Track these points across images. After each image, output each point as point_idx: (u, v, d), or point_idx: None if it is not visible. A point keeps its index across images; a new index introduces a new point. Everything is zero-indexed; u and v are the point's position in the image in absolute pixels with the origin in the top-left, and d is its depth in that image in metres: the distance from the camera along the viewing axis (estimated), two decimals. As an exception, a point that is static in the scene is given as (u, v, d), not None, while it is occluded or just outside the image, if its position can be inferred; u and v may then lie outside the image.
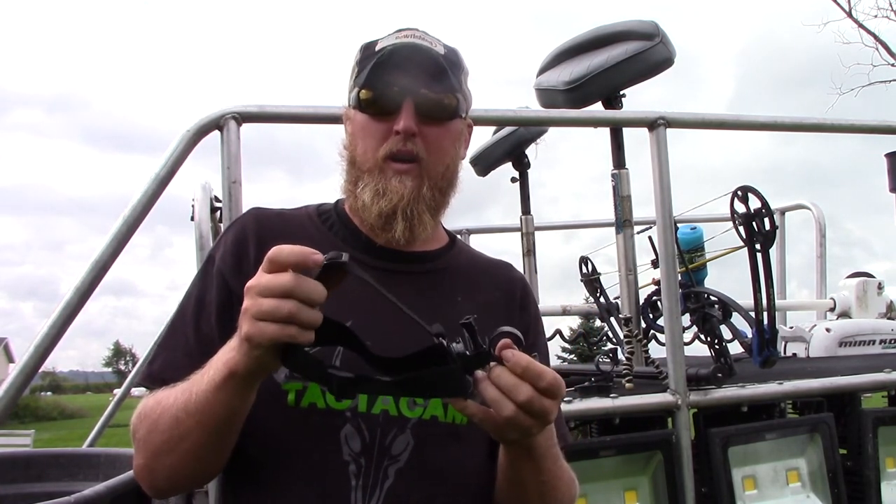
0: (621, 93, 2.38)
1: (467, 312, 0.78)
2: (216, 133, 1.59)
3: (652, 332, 2.41)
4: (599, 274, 2.78)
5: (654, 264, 2.25)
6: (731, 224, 1.98)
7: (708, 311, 2.10)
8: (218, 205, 1.74)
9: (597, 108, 2.40)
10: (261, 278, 0.74)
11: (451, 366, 0.75)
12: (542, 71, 2.61)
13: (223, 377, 0.79)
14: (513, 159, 2.89)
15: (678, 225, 2.29)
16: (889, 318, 3.56)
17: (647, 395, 1.88)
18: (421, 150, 0.98)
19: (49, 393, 41.84)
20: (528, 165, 2.90)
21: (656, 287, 2.35)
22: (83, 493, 1.31)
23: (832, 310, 3.66)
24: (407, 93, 0.96)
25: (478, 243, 3.61)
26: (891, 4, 15.67)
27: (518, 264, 2.15)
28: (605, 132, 2.31)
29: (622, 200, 2.27)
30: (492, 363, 0.75)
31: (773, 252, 2.03)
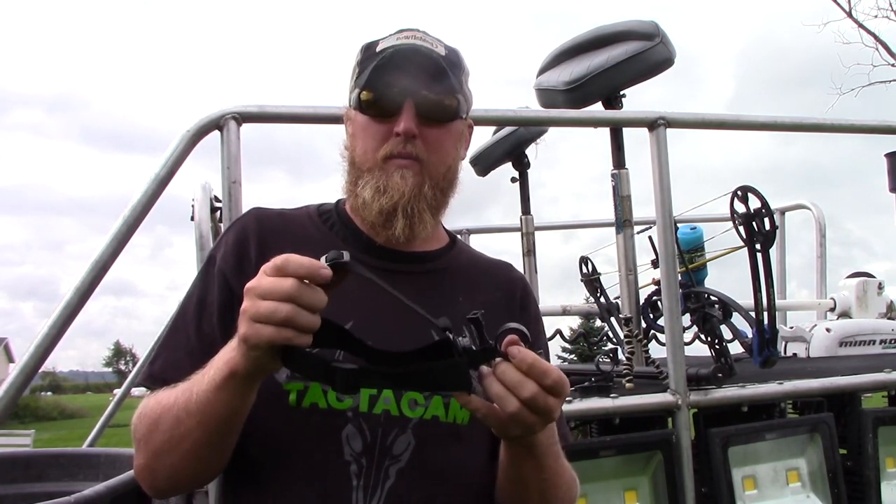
0: (621, 93, 2.38)
1: (468, 312, 0.78)
2: (216, 133, 1.59)
3: (652, 332, 2.41)
4: (599, 274, 2.78)
5: (654, 264, 2.25)
6: (731, 224, 1.98)
7: (708, 311, 2.10)
8: (218, 205, 1.74)
9: (597, 108, 2.40)
10: (262, 281, 0.74)
11: (457, 359, 0.75)
12: (542, 71, 2.61)
13: (224, 377, 0.79)
14: (513, 159, 2.89)
15: (678, 225, 2.29)
16: (889, 318, 3.56)
17: (647, 395, 1.88)
18: (421, 151, 0.98)
19: (49, 393, 41.84)
20: (528, 165, 2.90)
21: (656, 287, 2.35)
22: (83, 493, 1.31)
23: (832, 310, 3.66)
24: (407, 94, 0.96)
25: (478, 243, 3.61)
26: (891, 4, 15.68)
27: (518, 264, 2.15)
28: (605, 132, 2.31)
29: (622, 200, 2.27)
30: (497, 359, 0.75)
31: (773, 252, 2.03)
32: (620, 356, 2.21)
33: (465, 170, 1.10)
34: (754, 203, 1.90)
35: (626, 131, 2.32)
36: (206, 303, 0.97)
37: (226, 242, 1.02)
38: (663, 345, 1.98)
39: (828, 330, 3.22)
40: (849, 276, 3.75)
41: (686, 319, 2.10)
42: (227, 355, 0.80)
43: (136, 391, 3.68)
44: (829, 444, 1.99)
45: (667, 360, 1.92)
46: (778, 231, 2.52)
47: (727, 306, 2.10)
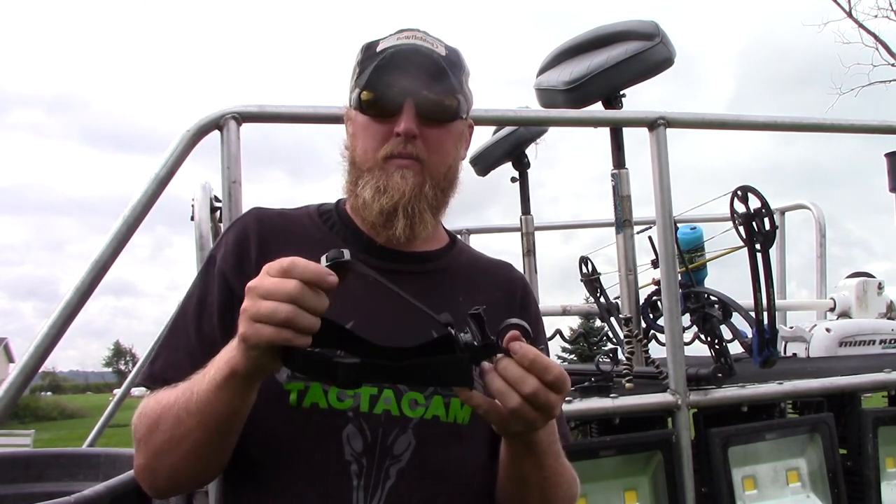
0: (621, 93, 2.38)
1: (468, 315, 0.78)
2: (216, 133, 1.59)
3: (652, 332, 2.41)
4: (599, 274, 2.78)
5: (654, 264, 2.25)
6: (731, 224, 1.98)
7: (708, 311, 2.10)
8: (218, 205, 1.74)
9: (597, 108, 2.40)
10: (264, 281, 0.74)
11: (459, 354, 0.75)
12: (542, 71, 2.61)
13: (224, 376, 0.79)
14: (513, 159, 2.89)
15: (678, 225, 2.29)
16: (889, 318, 3.56)
17: (647, 395, 1.88)
18: (422, 151, 0.98)
19: (49, 393, 41.83)
20: (528, 165, 2.90)
21: (656, 287, 2.35)
22: (83, 493, 1.31)
23: (832, 310, 3.66)
24: (408, 94, 0.96)
25: (478, 243, 3.61)
26: (891, 4, 15.67)
27: (518, 264, 2.15)
28: (605, 132, 2.31)
29: (622, 200, 2.27)
30: (499, 355, 0.75)
31: (773, 252, 2.03)
32: (620, 356, 2.21)
33: (465, 170, 1.10)
34: (754, 203, 1.90)
35: (626, 131, 2.32)
36: (206, 303, 0.97)
37: (226, 242, 1.02)
38: (663, 345, 1.98)
39: (828, 330, 3.22)
40: (849, 276, 3.75)
41: (686, 319, 2.10)
42: (227, 355, 0.80)
43: (135, 391, 3.67)
44: (829, 444, 1.99)
45: (667, 360, 1.92)
46: (778, 231, 2.52)
47: (727, 306, 2.10)
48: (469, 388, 0.77)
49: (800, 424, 2.10)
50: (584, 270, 2.84)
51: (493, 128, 2.82)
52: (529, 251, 2.90)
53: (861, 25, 15.90)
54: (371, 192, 0.97)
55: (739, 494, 1.88)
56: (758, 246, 1.90)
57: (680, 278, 2.05)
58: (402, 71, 0.97)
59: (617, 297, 2.44)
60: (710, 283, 2.46)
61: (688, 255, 2.36)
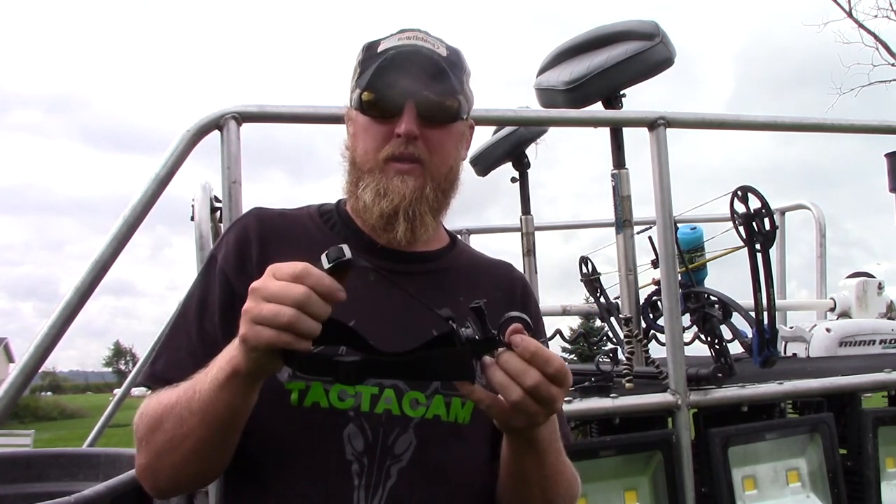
0: (621, 93, 2.38)
1: (469, 312, 0.78)
2: (216, 133, 1.59)
3: (652, 332, 2.41)
4: (599, 274, 2.78)
5: (654, 264, 2.25)
6: (731, 224, 1.98)
7: (708, 311, 2.10)
8: (218, 205, 1.74)
9: (597, 108, 2.40)
10: (270, 283, 0.73)
11: (460, 348, 0.75)
12: (542, 71, 2.61)
13: (226, 376, 0.79)
14: (513, 159, 2.89)
15: (678, 225, 2.29)
16: (889, 318, 3.56)
17: (647, 395, 1.88)
18: (422, 152, 0.98)
19: (49, 393, 41.82)
20: (528, 165, 2.90)
21: (656, 287, 2.35)
22: (83, 493, 1.31)
23: (832, 310, 3.67)
24: (408, 95, 0.96)
25: (478, 243, 3.61)
26: (891, 4, 15.67)
27: (518, 264, 2.15)
28: (605, 132, 2.31)
29: (622, 200, 2.27)
30: (500, 349, 0.75)
31: (773, 252, 2.03)
32: (620, 356, 2.21)
33: (466, 170, 1.10)
34: (754, 203, 1.90)
35: (626, 131, 2.32)
36: (207, 302, 0.97)
37: (227, 242, 1.02)
38: (663, 345, 1.98)
39: (828, 330, 3.22)
40: (849, 276, 3.75)
41: (686, 319, 2.10)
42: (229, 354, 0.80)
43: (136, 391, 3.68)
44: (829, 444, 1.99)
45: (667, 360, 1.92)
46: (778, 231, 2.52)
47: (727, 306, 2.10)
48: (471, 382, 0.77)
49: (800, 424, 2.10)
50: (584, 270, 2.84)
51: (493, 128, 2.82)
52: (529, 251, 2.90)
53: (861, 25, 15.92)
54: (371, 195, 0.97)
55: (739, 494, 1.88)
56: (758, 246, 1.90)
57: (680, 278, 2.05)
58: (403, 72, 0.97)
59: (617, 297, 2.44)
60: (710, 283, 2.46)
61: (688, 255, 2.36)
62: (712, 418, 1.94)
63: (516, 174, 2.92)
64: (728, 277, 2.89)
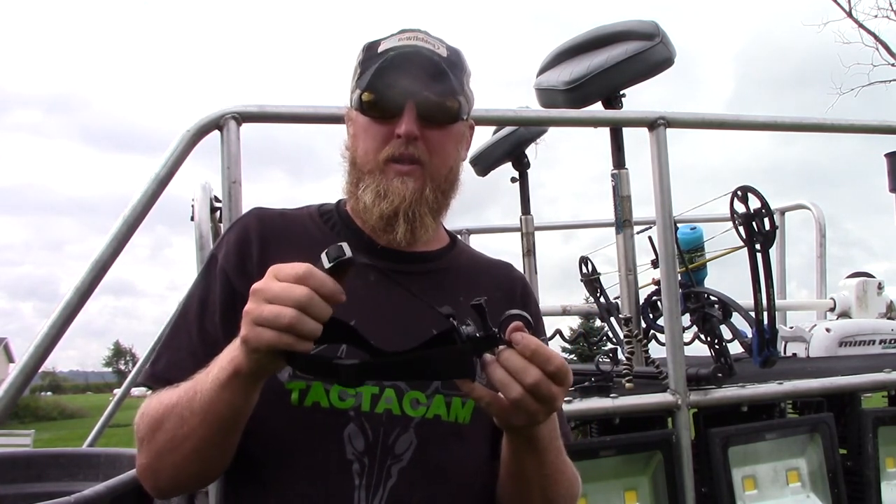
0: (621, 93, 2.38)
1: (469, 312, 0.78)
2: (216, 133, 1.59)
3: (652, 332, 2.41)
4: (599, 274, 2.78)
5: (654, 264, 2.25)
6: (731, 224, 1.98)
7: (708, 311, 2.10)
8: (218, 205, 1.74)
9: (597, 108, 2.40)
10: (271, 284, 0.73)
11: (460, 346, 0.75)
12: (542, 71, 2.61)
13: (228, 376, 0.79)
14: (513, 159, 2.89)
15: (678, 225, 2.29)
16: (889, 318, 3.56)
17: (647, 395, 1.88)
18: (423, 153, 0.98)
19: (49, 393, 41.82)
20: (527, 165, 2.90)
21: (656, 287, 2.35)
22: (83, 493, 1.31)
23: (832, 310, 3.67)
24: (409, 96, 0.96)
25: (478, 243, 3.61)
26: (891, 4, 15.67)
27: (518, 264, 2.15)
28: (605, 132, 2.31)
29: (622, 200, 2.27)
30: (500, 347, 0.75)
31: (773, 252, 2.03)
32: (620, 356, 2.21)
33: (466, 170, 1.10)
34: (754, 203, 1.90)
35: (626, 131, 2.32)
36: (208, 302, 0.97)
37: (227, 242, 1.02)
38: (663, 345, 1.98)
39: (828, 330, 3.22)
40: (849, 276, 3.75)
41: (686, 319, 2.10)
42: (230, 354, 0.80)
43: (136, 391, 3.68)
44: (829, 444, 1.99)
45: (667, 360, 1.92)
46: (778, 231, 2.52)
47: (727, 306, 2.10)
48: (471, 379, 0.77)
49: (800, 424, 2.10)
50: (584, 270, 2.84)
51: (493, 128, 2.82)
52: (529, 251, 2.90)
53: (861, 25, 15.92)
54: (371, 196, 0.98)
55: (739, 494, 1.88)
56: (758, 246, 1.90)
57: (680, 278, 2.05)
58: (404, 72, 0.97)
59: (617, 297, 2.44)
60: (710, 283, 2.46)
61: (688, 255, 2.36)
62: (712, 418, 1.94)
63: (516, 174, 2.92)
64: (728, 277, 2.89)
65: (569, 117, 2.21)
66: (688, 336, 2.12)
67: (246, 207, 1.51)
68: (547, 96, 2.52)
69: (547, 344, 1.16)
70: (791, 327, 3.38)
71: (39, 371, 1.51)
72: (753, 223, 1.90)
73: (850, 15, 15.94)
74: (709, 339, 2.08)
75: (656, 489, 1.82)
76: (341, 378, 0.75)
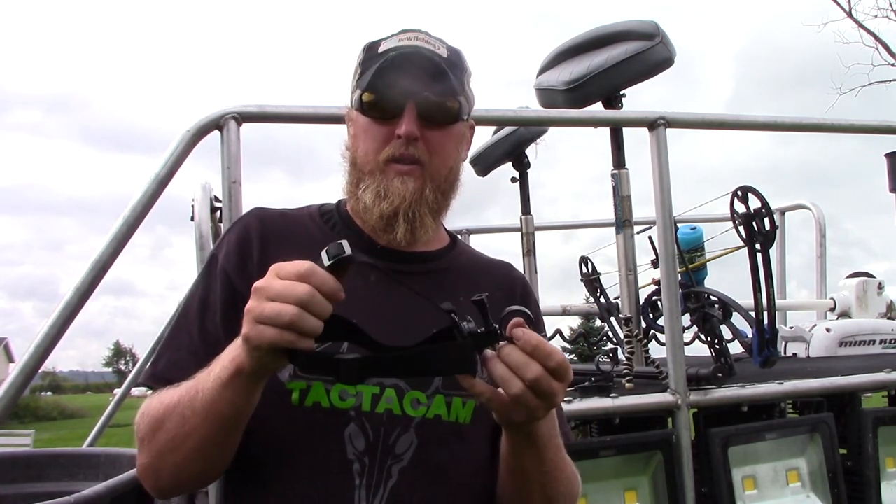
0: (621, 93, 2.38)
1: (469, 311, 0.78)
2: (216, 133, 1.59)
3: (652, 332, 2.41)
4: (599, 274, 2.78)
5: (654, 264, 2.25)
6: (731, 224, 1.98)
7: (708, 311, 2.10)
8: (218, 205, 1.74)
9: (597, 108, 2.40)
10: (273, 282, 0.73)
11: (462, 341, 0.75)
12: (542, 71, 2.61)
13: (230, 374, 0.80)
14: (513, 159, 2.89)
15: (678, 225, 2.29)
16: (889, 318, 3.56)
17: (647, 395, 1.88)
18: (423, 153, 0.98)
19: (49, 393, 41.82)
20: (528, 165, 2.90)
21: (656, 287, 2.35)
22: (83, 493, 1.31)
23: (832, 310, 3.67)
24: (409, 96, 0.96)
25: (478, 243, 3.61)
26: (891, 4, 15.67)
27: (518, 264, 2.15)
28: (605, 132, 2.32)
29: (622, 200, 2.27)
30: (501, 343, 0.76)
31: (773, 252, 2.03)
32: (620, 356, 2.21)
33: (466, 170, 1.10)
34: (754, 203, 1.90)
35: (626, 131, 2.32)
36: (208, 302, 0.97)
37: (228, 242, 1.02)
38: (663, 345, 1.98)
39: (828, 330, 3.22)
40: (849, 276, 3.75)
41: (686, 319, 2.10)
42: (232, 353, 0.80)
43: (136, 391, 3.68)
44: (829, 444, 1.99)
45: (667, 360, 1.92)
46: (778, 231, 2.52)
47: (727, 306, 2.10)
48: (472, 374, 0.77)
49: (800, 424, 2.10)
50: (584, 270, 2.84)
51: (493, 128, 2.82)
52: (529, 251, 2.90)
53: (861, 25, 15.92)
54: (372, 196, 0.98)
55: (739, 494, 1.88)
56: (758, 246, 1.90)
57: (680, 278, 2.05)
58: (404, 73, 0.97)
59: (617, 297, 2.44)
60: (710, 283, 2.46)
61: (688, 255, 2.36)
62: (712, 418, 1.94)
63: (516, 174, 2.92)
64: (728, 277, 2.89)
65: (569, 117, 2.21)
66: (688, 336, 2.12)
67: (246, 207, 1.51)
68: (547, 96, 2.52)
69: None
70: (791, 327, 3.38)
71: (39, 371, 1.51)
72: (753, 223, 1.90)
73: (850, 15, 15.96)
74: (709, 339, 2.08)
75: (656, 489, 1.82)
76: (342, 374, 0.75)
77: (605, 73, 2.32)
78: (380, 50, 1.00)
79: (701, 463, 1.89)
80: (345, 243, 0.74)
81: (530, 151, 2.88)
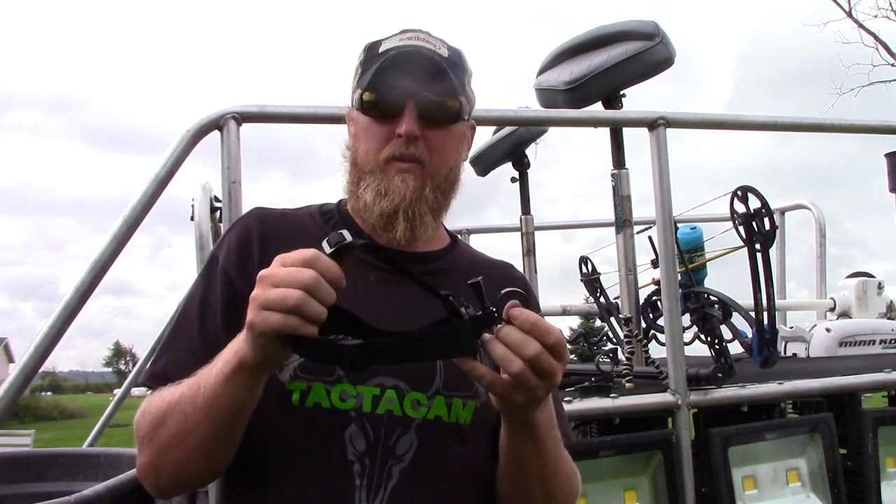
0: (621, 93, 2.38)
1: (468, 297, 0.79)
2: (216, 133, 1.59)
3: (652, 332, 2.41)
4: (599, 274, 2.78)
5: (654, 264, 2.25)
6: (731, 224, 1.98)
7: (708, 311, 2.10)
8: (218, 205, 1.74)
9: (597, 108, 2.40)
10: (278, 270, 0.74)
11: (461, 321, 0.76)
12: (542, 71, 2.61)
13: (232, 368, 0.80)
14: (513, 159, 2.89)
15: (678, 225, 2.29)
16: (889, 318, 3.56)
17: (647, 395, 1.88)
18: (423, 153, 0.98)
19: (49, 393, 41.81)
20: (527, 165, 2.90)
21: (656, 287, 2.35)
22: (83, 493, 1.31)
23: (832, 310, 3.67)
24: (409, 96, 0.97)
25: (478, 243, 3.61)
26: (891, 4, 15.66)
27: (518, 264, 2.15)
28: (605, 132, 2.32)
29: (622, 200, 2.27)
30: (499, 325, 0.76)
31: (773, 252, 2.04)
32: (620, 356, 2.21)
33: (466, 170, 1.10)
34: (754, 203, 1.90)
35: (626, 131, 2.32)
36: (208, 302, 0.98)
37: (228, 241, 1.02)
38: (663, 345, 1.98)
39: (828, 330, 3.22)
40: (849, 276, 3.75)
41: (686, 319, 2.10)
42: (235, 347, 0.80)
43: (136, 391, 3.68)
44: (829, 444, 1.99)
45: (667, 360, 1.92)
46: (778, 231, 2.52)
47: (727, 306, 2.10)
48: (472, 356, 0.77)
49: (800, 424, 2.10)
50: (584, 270, 2.84)
51: (493, 128, 2.82)
52: (529, 251, 2.90)
53: (861, 25, 15.90)
54: (372, 194, 0.98)
55: (739, 494, 1.88)
56: (758, 246, 1.90)
57: (680, 278, 2.05)
58: (404, 72, 0.97)
59: (617, 297, 2.44)
60: (710, 283, 2.46)
61: (688, 255, 2.36)
62: (712, 418, 1.94)
63: (516, 174, 2.92)
64: (728, 277, 2.89)
65: (569, 117, 2.21)
66: (688, 336, 2.12)
67: (246, 207, 1.51)
68: (547, 96, 2.52)
69: None
70: (791, 327, 3.38)
71: (39, 371, 1.51)
72: (753, 223, 1.90)
73: (850, 15, 15.95)
74: (709, 339, 2.08)
75: (656, 489, 1.82)
76: (345, 360, 0.75)
77: (605, 73, 2.32)
78: (380, 49, 1.00)
79: (701, 463, 1.89)
80: (345, 232, 0.75)
81: (530, 151, 2.88)
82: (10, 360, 34.63)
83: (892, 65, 15.85)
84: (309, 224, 1.06)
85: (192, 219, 1.74)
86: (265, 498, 0.92)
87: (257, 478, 0.93)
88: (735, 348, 2.12)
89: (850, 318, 3.56)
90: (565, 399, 1.77)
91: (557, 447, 0.93)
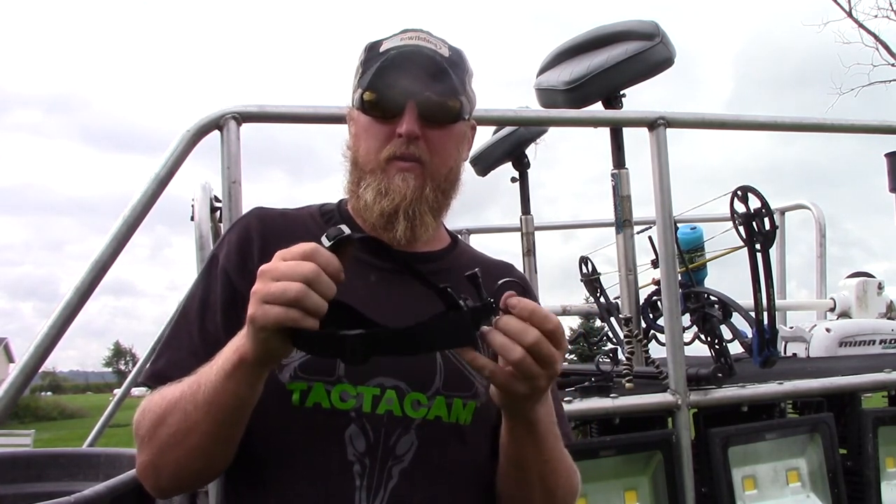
0: (621, 93, 2.38)
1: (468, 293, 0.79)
2: (216, 133, 1.59)
3: (652, 332, 2.41)
4: (599, 274, 2.78)
5: (654, 264, 2.25)
6: (731, 224, 1.98)
7: (708, 311, 2.10)
8: (218, 205, 1.74)
9: (597, 108, 2.40)
10: (279, 264, 0.75)
11: (461, 311, 0.76)
12: (542, 71, 2.61)
13: (233, 365, 0.80)
14: (513, 159, 2.89)
15: (678, 225, 2.29)
16: (889, 318, 3.56)
17: (647, 395, 1.88)
18: (423, 153, 0.98)
19: (49, 393, 41.81)
20: (527, 165, 2.90)
21: (656, 287, 2.35)
22: (83, 493, 1.31)
23: (832, 310, 3.67)
24: (410, 96, 0.97)
25: (478, 243, 3.61)
26: (891, 4, 15.66)
27: (518, 264, 2.15)
28: (605, 132, 2.32)
29: (622, 200, 2.27)
30: (497, 316, 0.77)
31: (773, 252, 2.04)
32: (620, 356, 2.21)
33: (466, 170, 1.10)
34: (754, 203, 1.90)
35: (626, 131, 2.32)
36: (208, 302, 0.97)
37: (228, 241, 1.02)
38: (663, 345, 1.98)
39: (828, 330, 3.22)
40: (849, 276, 3.75)
41: (686, 319, 2.10)
42: (235, 343, 0.80)
43: (136, 391, 3.68)
44: (829, 444, 1.99)
45: (667, 360, 1.92)
46: (778, 231, 2.52)
47: (727, 306, 2.10)
48: (472, 346, 0.77)
49: (800, 424, 2.10)
50: (584, 270, 2.84)
51: (493, 128, 2.82)
52: (529, 251, 2.90)
53: (861, 25, 15.91)
54: (372, 194, 0.98)
55: (739, 494, 1.88)
56: (758, 246, 1.90)
57: (680, 278, 2.05)
58: (405, 72, 0.97)
59: (617, 297, 2.44)
60: (710, 283, 2.46)
61: (688, 255, 2.36)
62: (712, 418, 1.94)
63: (516, 174, 2.92)
64: (728, 277, 2.89)
65: (569, 117, 2.21)
66: (688, 336, 2.12)
67: (246, 207, 1.51)
68: (547, 96, 2.52)
69: None
70: (791, 327, 3.38)
71: (39, 371, 1.51)
72: (753, 223, 1.90)
73: (850, 15, 15.95)
74: (709, 339, 2.08)
75: (656, 489, 1.82)
76: (347, 351, 0.75)
77: (605, 73, 2.32)
78: (381, 49, 1.00)
79: (701, 463, 1.89)
80: (344, 227, 0.76)
81: (530, 151, 2.88)
82: (10, 360, 34.63)
83: (893, 65, 15.86)
84: (309, 224, 1.06)
85: (192, 219, 1.74)
86: (265, 498, 0.92)
87: (257, 478, 0.93)
88: (735, 348, 2.12)
89: (850, 318, 3.56)
90: (565, 399, 1.77)
91: (557, 445, 0.94)
